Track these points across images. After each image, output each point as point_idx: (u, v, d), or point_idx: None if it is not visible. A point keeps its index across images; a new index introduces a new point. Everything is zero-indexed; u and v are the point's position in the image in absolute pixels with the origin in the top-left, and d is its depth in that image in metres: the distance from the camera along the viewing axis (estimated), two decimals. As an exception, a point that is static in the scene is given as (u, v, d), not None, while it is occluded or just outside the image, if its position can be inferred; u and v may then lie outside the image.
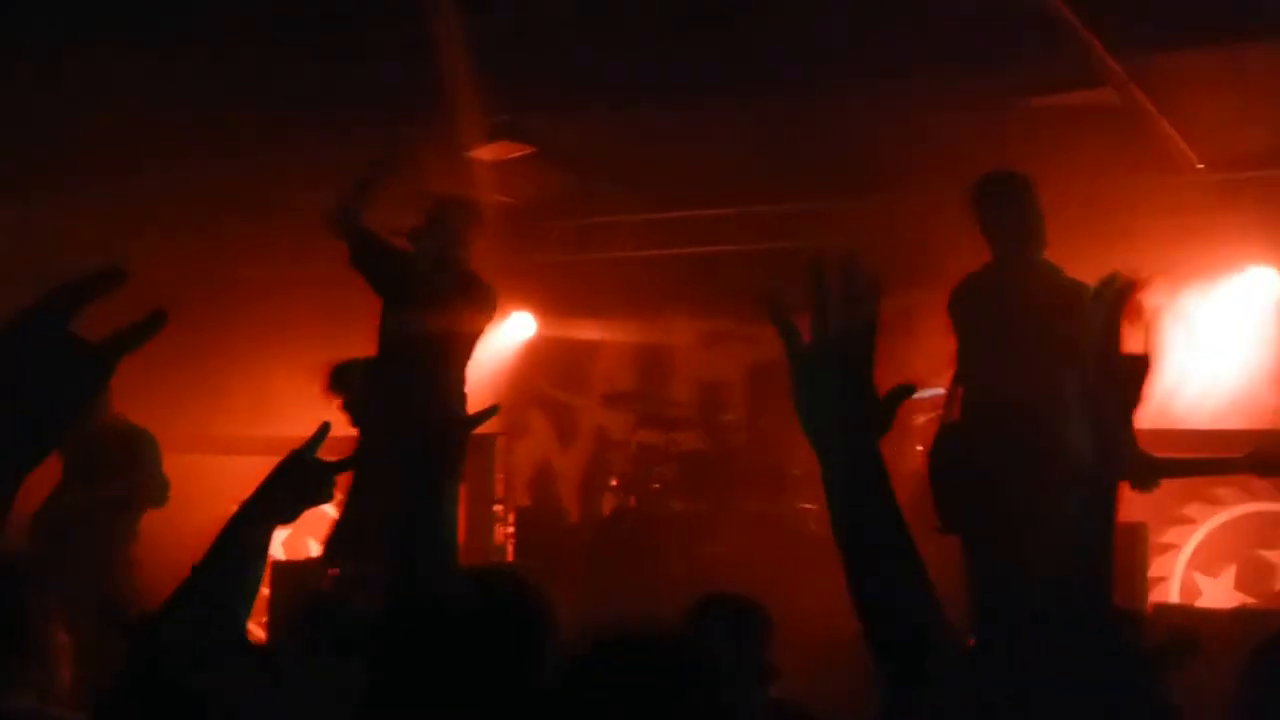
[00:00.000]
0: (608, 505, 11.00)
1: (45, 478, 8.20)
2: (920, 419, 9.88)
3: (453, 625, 2.81)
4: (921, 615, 1.94)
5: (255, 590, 2.89)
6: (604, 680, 1.76)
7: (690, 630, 4.34)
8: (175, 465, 11.13)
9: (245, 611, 2.86)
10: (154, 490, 8.46)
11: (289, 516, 2.88)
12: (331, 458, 2.93)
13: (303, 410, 11.35)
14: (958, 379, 6.46)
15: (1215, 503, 9.76)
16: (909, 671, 1.93)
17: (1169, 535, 9.75)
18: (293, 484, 2.88)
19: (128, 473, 8.38)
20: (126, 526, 8.39)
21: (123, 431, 8.45)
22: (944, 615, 1.96)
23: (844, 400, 2.01)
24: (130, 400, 8.64)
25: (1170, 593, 9.70)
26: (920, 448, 9.84)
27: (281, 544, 11.54)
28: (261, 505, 2.86)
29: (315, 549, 11.36)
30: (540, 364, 12.49)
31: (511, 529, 11.24)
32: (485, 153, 9.69)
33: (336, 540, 8.00)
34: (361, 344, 10.93)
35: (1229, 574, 9.65)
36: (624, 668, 1.77)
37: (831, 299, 2.00)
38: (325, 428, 2.92)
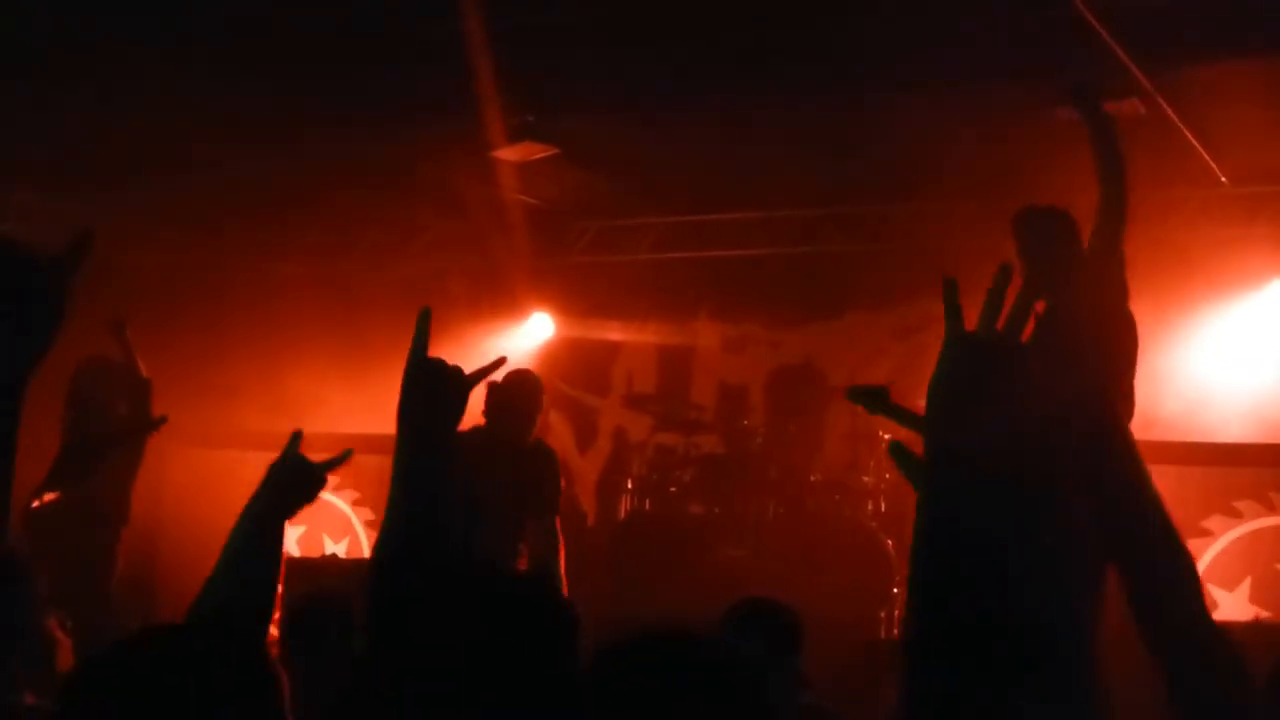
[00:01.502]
0: (625, 508, 11.01)
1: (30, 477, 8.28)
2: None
3: (473, 625, 2.82)
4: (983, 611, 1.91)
5: (273, 587, 2.98)
6: (645, 681, 1.75)
7: (726, 633, 4.36)
8: (193, 458, 11.21)
9: (266, 609, 2.93)
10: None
11: (289, 513, 3.00)
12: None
13: (317, 405, 11.48)
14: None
15: (1234, 516, 9.74)
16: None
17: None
18: (285, 484, 3.01)
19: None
20: (112, 522, 8.47)
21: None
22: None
23: (995, 390, 1.96)
24: (159, 396, 8.71)
25: (1187, 606, 9.68)
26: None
27: (296, 541, 11.58)
28: (261, 507, 2.98)
29: (330, 546, 11.41)
30: (560, 365, 12.50)
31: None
32: (509, 153, 9.70)
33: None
34: (374, 341, 11.00)
35: (1245, 587, 9.63)
36: (665, 668, 1.76)
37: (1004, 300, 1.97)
38: (297, 435, 3.07)
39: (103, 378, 8.48)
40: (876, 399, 2.20)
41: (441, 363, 2.59)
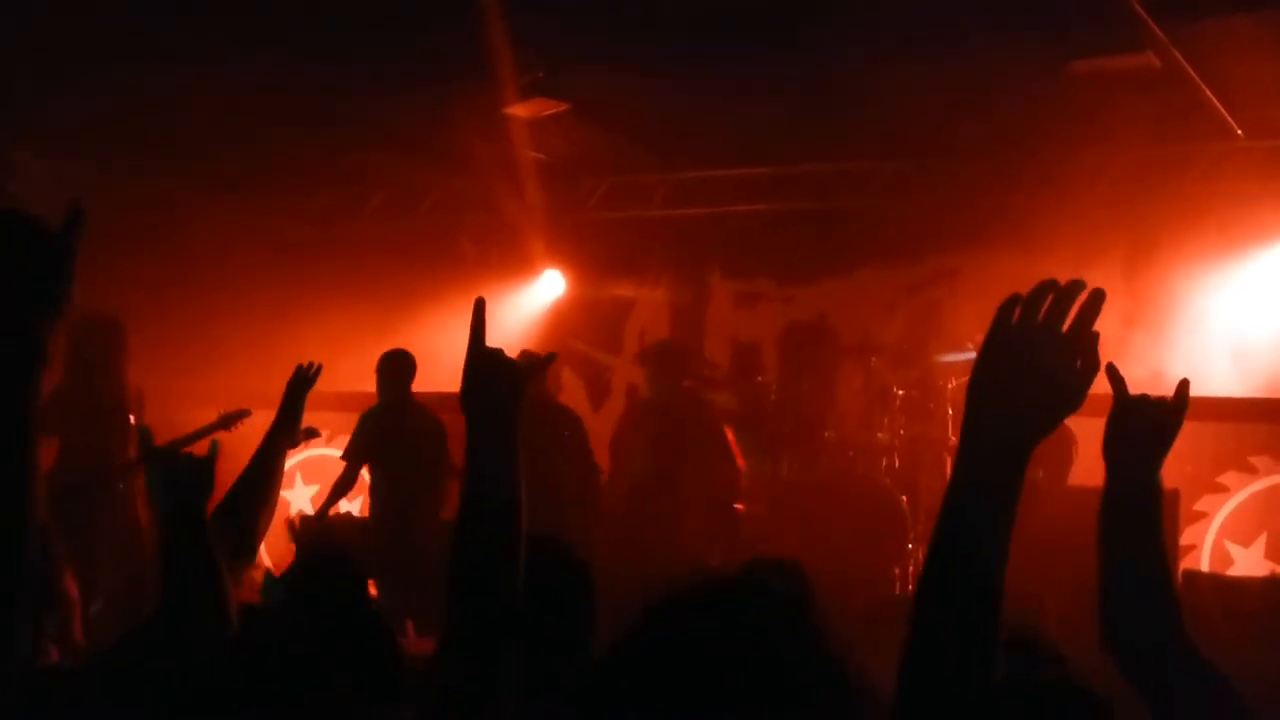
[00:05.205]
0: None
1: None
2: (953, 383, 9.86)
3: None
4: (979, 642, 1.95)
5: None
6: (701, 629, 1.75)
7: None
8: (200, 419, 11.20)
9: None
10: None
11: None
12: None
13: (327, 365, 11.46)
14: None
15: (1249, 472, 9.73)
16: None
17: (1202, 503, 9.73)
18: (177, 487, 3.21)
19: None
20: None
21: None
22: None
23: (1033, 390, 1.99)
24: (174, 357, 8.72)
25: (1201, 561, 9.68)
26: (951, 410, 9.83)
27: (310, 500, 11.59)
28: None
29: (342, 505, 11.40)
30: (572, 322, 12.49)
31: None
32: (521, 109, 9.67)
33: None
34: (386, 301, 10.95)
35: (1260, 543, 9.62)
36: (719, 618, 1.77)
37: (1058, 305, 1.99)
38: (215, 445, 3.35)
39: (98, 338, 8.49)
40: None
41: (500, 353, 2.67)
